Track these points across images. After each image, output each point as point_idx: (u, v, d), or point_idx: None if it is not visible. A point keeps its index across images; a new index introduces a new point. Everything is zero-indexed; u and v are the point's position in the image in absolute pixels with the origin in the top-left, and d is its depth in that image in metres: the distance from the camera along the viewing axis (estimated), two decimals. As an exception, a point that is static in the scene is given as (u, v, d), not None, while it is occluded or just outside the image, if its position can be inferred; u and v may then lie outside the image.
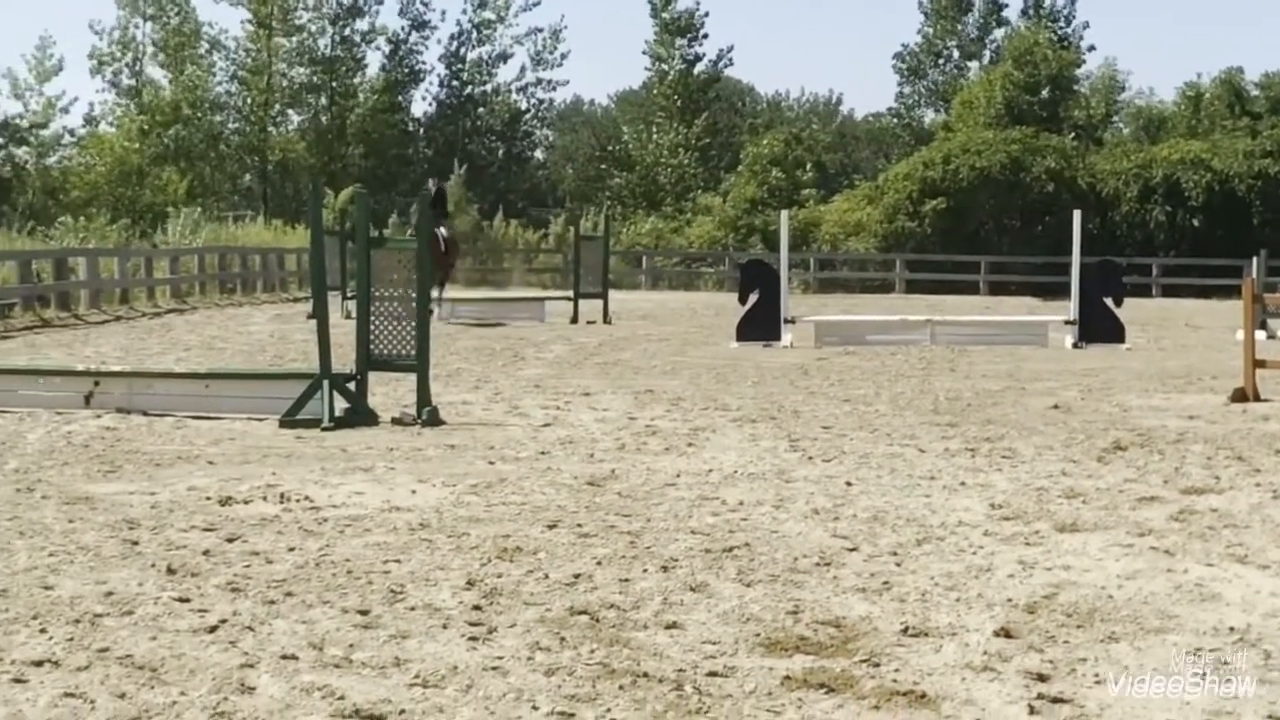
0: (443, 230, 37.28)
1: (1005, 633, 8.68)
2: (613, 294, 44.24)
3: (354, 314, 19.70)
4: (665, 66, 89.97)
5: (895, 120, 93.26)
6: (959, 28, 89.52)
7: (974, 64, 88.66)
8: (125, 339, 33.01)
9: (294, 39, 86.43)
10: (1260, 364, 21.74)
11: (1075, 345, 31.83)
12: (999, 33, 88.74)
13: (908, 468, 14.88)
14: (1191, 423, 18.64)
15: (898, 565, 10.43)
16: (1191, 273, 63.08)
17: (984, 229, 69.48)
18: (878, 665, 8.08)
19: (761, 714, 7.31)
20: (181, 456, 15.38)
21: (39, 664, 7.94)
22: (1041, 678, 7.89)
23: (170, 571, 10.04)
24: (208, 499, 12.81)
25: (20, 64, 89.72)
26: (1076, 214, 35.34)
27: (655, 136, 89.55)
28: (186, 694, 7.50)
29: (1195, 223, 69.31)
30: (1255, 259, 39.60)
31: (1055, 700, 7.55)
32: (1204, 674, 8.01)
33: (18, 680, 7.66)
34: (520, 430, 17.63)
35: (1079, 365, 27.74)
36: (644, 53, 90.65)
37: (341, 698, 7.46)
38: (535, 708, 7.36)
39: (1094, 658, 8.26)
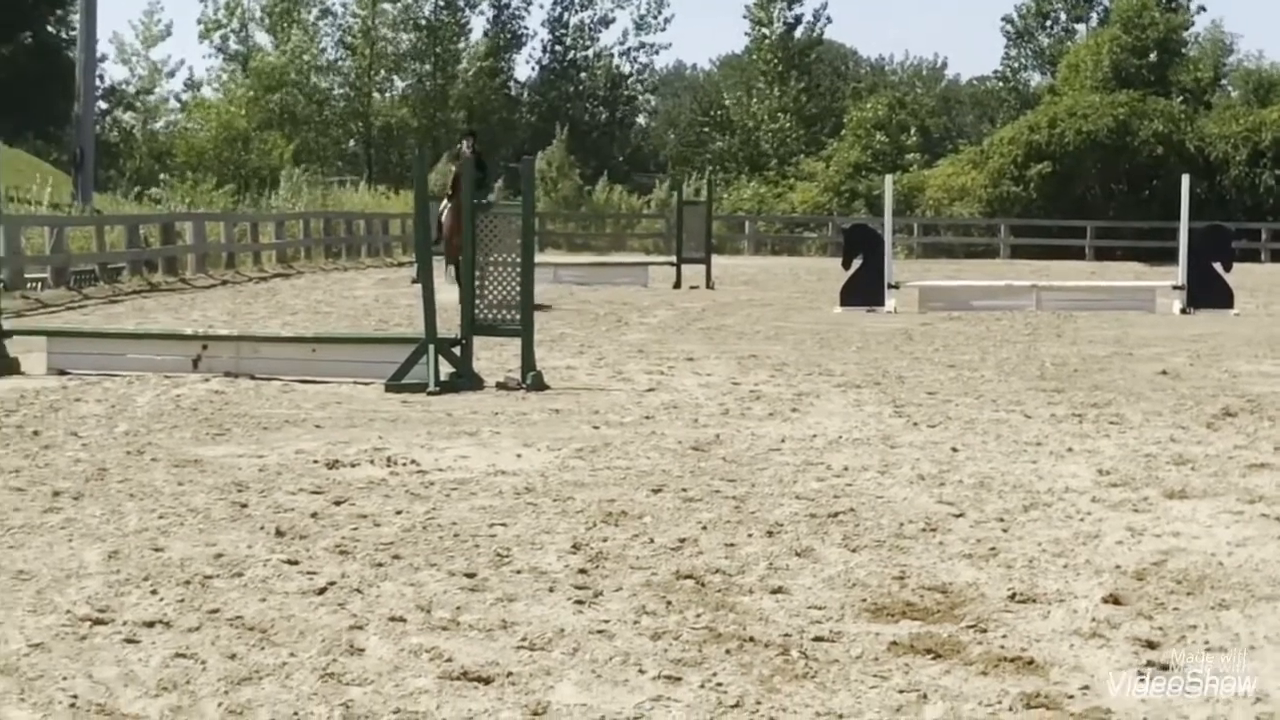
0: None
1: (1114, 599, 8.62)
2: (715, 259, 44.16)
3: (458, 279, 19.73)
4: (765, 30, 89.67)
5: (1001, 84, 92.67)
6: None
7: (1081, 27, 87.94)
8: (231, 303, 33.25)
9: (398, 4, 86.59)
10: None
11: (1183, 311, 31.61)
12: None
13: (1014, 434, 14.82)
14: (1303, 389, 18.48)
15: (1004, 531, 10.39)
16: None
17: (1090, 194, 68.95)
18: (985, 631, 8.05)
19: (868, 679, 7.29)
20: (289, 420, 15.49)
21: (150, 625, 8.02)
22: (1151, 645, 7.84)
23: (279, 534, 10.12)
24: (315, 462, 12.90)
25: (128, 29, 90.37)
26: (1185, 178, 35.01)
27: (756, 100, 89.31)
28: (296, 655, 7.55)
29: (1310, 185, 68.48)
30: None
31: (1165, 668, 7.50)
32: (1315, 642, 7.97)
33: (130, 640, 7.74)
34: (624, 395, 17.65)
35: (1187, 331, 27.53)
36: (744, 16, 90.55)
37: (449, 660, 7.49)
38: (642, 671, 7.38)
39: (1204, 625, 8.20)
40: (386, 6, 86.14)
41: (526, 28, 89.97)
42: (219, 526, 10.35)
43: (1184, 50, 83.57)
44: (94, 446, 13.63)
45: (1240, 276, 32.85)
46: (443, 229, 33.34)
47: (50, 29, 63.73)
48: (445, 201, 34.29)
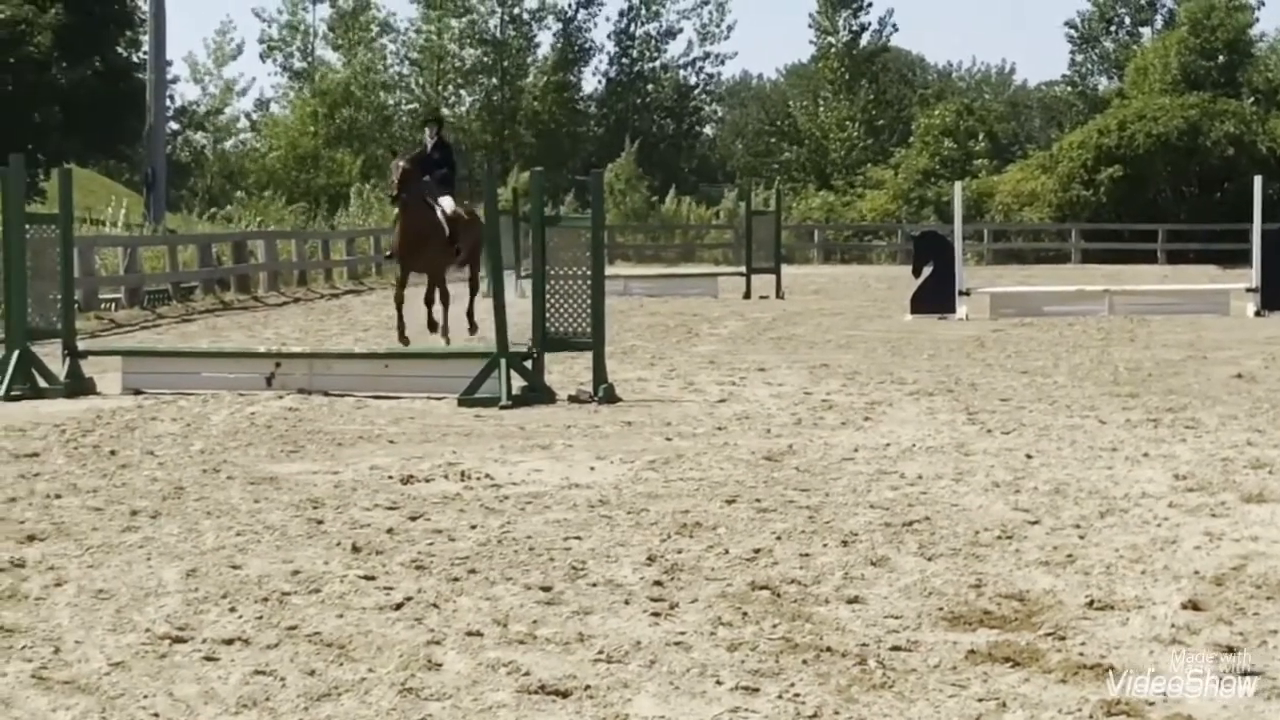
0: (445, 204, 25.45)
1: (1193, 605, 8.57)
2: (785, 269, 44.23)
3: (529, 293, 19.76)
4: (831, 39, 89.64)
5: (1068, 88, 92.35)
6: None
7: (1147, 30, 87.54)
8: (304, 320, 33.40)
9: (464, 20, 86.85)
10: None
11: (1257, 313, 31.39)
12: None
13: (1089, 439, 14.74)
14: (1380, 391, 18.34)
15: (1081, 538, 10.33)
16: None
17: (1161, 196, 68.61)
18: (1063, 639, 8.01)
19: (946, 688, 7.27)
20: (363, 436, 15.54)
21: (229, 642, 8.05)
22: (1231, 650, 7.79)
23: (355, 550, 10.15)
24: (390, 478, 12.93)
25: (200, 49, 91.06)
26: (1257, 180, 34.81)
27: (823, 109, 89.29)
28: (374, 671, 7.57)
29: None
30: None
31: (1246, 674, 7.45)
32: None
33: (209, 658, 7.77)
34: (696, 406, 17.65)
35: (1262, 334, 27.37)
36: (809, 25, 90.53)
37: (526, 674, 7.50)
38: (719, 682, 7.37)
39: (1287, 632, 8.16)
40: (453, 23, 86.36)
41: (593, 41, 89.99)
42: (295, 543, 10.39)
43: (1253, 51, 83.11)
44: (170, 465, 13.70)
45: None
46: (395, 244, 26.48)
47: (120, 50, 64.13)
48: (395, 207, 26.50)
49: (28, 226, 19.51)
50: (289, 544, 10.35)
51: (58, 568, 9.66)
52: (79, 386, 18.95)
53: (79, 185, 23.06)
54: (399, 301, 25.30)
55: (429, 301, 25.27)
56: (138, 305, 35.03)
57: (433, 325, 25.07)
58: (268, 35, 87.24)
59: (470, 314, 26.79)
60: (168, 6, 58.31)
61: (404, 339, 24.56)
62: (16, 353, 18.84)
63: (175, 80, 79.30)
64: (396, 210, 26.08)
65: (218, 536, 10.58)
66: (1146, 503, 11.50)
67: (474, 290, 27.30)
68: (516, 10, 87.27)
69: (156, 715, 6.98)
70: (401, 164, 24.72)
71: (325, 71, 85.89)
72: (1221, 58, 79.47)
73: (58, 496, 12.16)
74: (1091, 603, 8.68)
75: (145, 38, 62.89)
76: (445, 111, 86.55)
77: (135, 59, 64.04)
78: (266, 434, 15.67)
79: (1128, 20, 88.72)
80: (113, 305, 34.60)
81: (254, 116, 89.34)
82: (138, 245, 39.11)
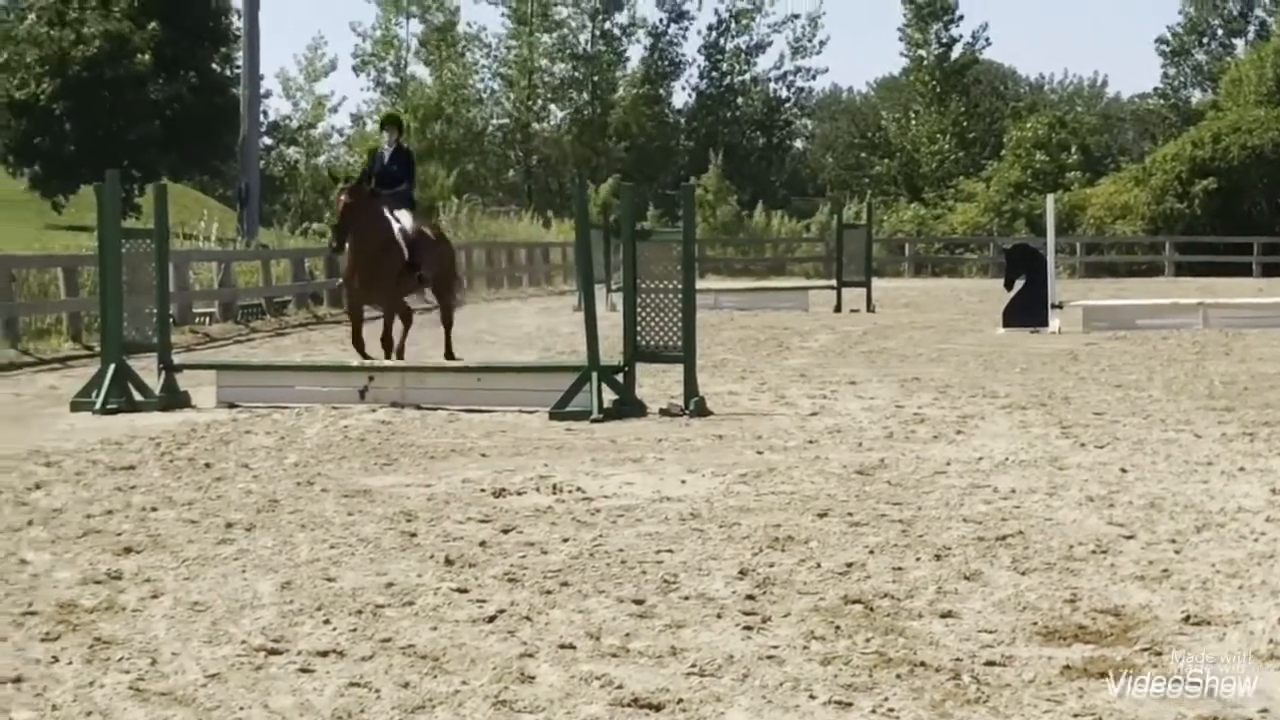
0: (403, 219, 21.73)
1: (1294, 624, 8.52)
2: (875, 282, 44.12)
3: (620, 306, 19.79)
4: (922, 52, 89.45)
5: (1161, 101, 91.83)
6: (1222, 5, 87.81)
7: (1239, 41, 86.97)
8: (397, 337, 33.54)
9: (554, 35, 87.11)
10: None
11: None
12: (1261, 9, 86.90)
13: (1184, 453, 14.65)
14: None
15: (1177, 553, 10.26)
16: None
17: (1256, 209, 68.12)
18: (1160, 654, 7.96)
19: (1042, 703, 7.23)
20: (455, 449, 15.58)
21: (324, 654, 8.09)
22: (1329, 666, 7.74)
23: (448, 563, 10.18)
24: (482, 491, 12.97)
25: (293, 65, 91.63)
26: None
27: (915, 122, 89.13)
28: (468, 683, 7.59)
29: None
30: None
31: (1344, 688, 7.41)
32: None
33: (304, 670, 7.81)
34: (787, 419, 17.63)
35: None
36: (899, 39, 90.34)
37: (620, 687, 7.50)
38: (813, 697, 7.35)
39: (1391, 650, 8.08)
40: (543, 38, 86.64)
41: (683, 55, 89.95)
42: (389, 556, 10.43)
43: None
44: (264, 478, 13.78)
45: None
46: (344, 270, 22.63)
47: (215, 66, 64.61)
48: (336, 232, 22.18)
49: (124, 241, 19.68)
50: (383, 556, 10.40)
51: (154, 580, 9.73)
52: (174, 400, 19.09)
53: (173, 200, 23.17)
54: (358, 345, 21.96)
55: (386, 342, 21.82)
56: (231, 320, 35.28)
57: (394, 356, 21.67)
58: (361, 50, 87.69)
59: (449, 354, 23.18)
60: (261, 22, 58.77)
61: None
62: (113, 366, 18.99)
63: (268, 95, 79.81)
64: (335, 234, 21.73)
65: (312, 549, 10.65)
66: (1243, 517, 11.42)
67: (449, 324, 23.77)
68: (607, 25, 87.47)
69: (251, 725, 7.03)
70: (343, 198, 20.64)
71: (417, 86, 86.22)
72: (1318, 69, 78.94)
73: (154, 509, 12.25)
74: (1188, 618, 8.62)
75: (239, 53, 63.31)
76: (536, 126, 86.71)
77: (229, 74, 64.46)
78: (360, 447, 15.75)
79: (1220, 32, 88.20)
80: (207, 319, 34.84)
81: (346, 131, 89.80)
82: (231, 260, 39.36)
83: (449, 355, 22.83)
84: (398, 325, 22.67)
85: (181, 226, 48.20)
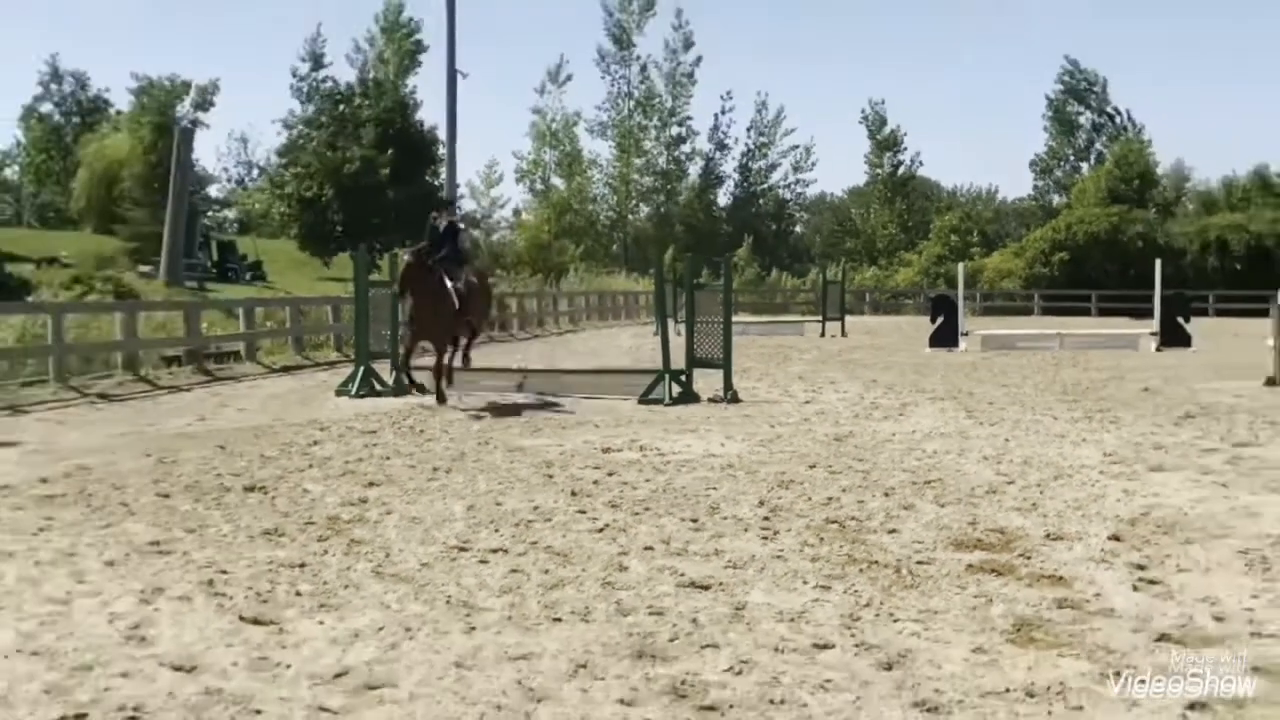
0: (455, 281, 18.17)
1: (1115, 538, 8.47)
2: (847, 318, 43.94)
3: (683, 332, 19.74)
4: (878, 170, 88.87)
5: (1033, 202, 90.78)
6: (1073, 141, 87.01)
7: (1084, 165, 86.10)
8: (541, 349, 33.62)
9: (642, 159, 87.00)
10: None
11: (1157, 349, 30.81)
12: (1100, 144, 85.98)
13: (1046, 429, 14.53)
14: (1238, 399, 17.94)
15: (1041, 493, 10.20)
16: (1235, 300, 60.53)
17: (1094, 272, 67.63)
18: (1029, 559, 7.92)
19: (953, 589, 7.21)
20: (578, 423, 15.60)
21: (494, 551, 8.13)
22: (1140, 567, 7.69)
23: (573, 494, 10.20)
24: (595, 449, 12.97)
25: (475, 177, 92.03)
26: (1158, 262, 34.50)
27: (873, 215, 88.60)
28: (586, 570, 7.62)
29: (1238, 267, 67.27)
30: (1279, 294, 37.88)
31: (1150, 582, 7.36)
32: (1250, 565, 7.76)
33: (482, 561, 7.86)
34: (790, 405, 17.58)
35: (1160, 362, 26.86)
36: (864, 160, 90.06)
37: (682, 574, 7.52)
38: (805, 582, 7.36)
39: (1176, 554, 8.02)
40: (635, 160, 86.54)
41: (725, 171, 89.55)
42: (535, 489, 10.46)
43: (1156, 178, 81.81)
44: (458, 439, 13.84)
45: (1195, 326, 32.04)
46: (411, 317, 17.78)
47: (427, 179, 64.89)
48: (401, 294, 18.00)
49: (369, 289, 19.84)
50: (531, 490, 10.43)
51: (387, 503, 9.79)
52: (400, 390, 19.17)
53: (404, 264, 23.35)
54: (407, 360, 18.01)
55: (438, 374, 17.86)
56: (437, 338, 35.30)
57: (442, 398, 17.63)
58: (521, 168, 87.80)
59: (466, 354, 19.17)
60: (456, 151, 59.24)
61: (414, 383, 17.94)
62: (362, 368, 19.12)
63: (462, 197, 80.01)
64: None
65: (487, 485, 10.68)
66: (1084, 471, 11.34)
67: (472, 333, 19.33)
68: (676, 153, 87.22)
69: (449, 597, 7.05)
70: (406, 257, 17.55)
71: (555, 191, 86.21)
72: (1136, 182, 78.41)
73: (387, 458, 12.33)
74: (1048, 535, 8.59)
75: (443, 170, 63.63)
76: (630, 218, 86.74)
77: (437, 183, 64.69)
78: (517, 421, 15.77)
79: (1072, 157, 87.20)
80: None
81: (509, 220, 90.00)
82: (437, 301, 39.48)
83: (465, 360, 19.14)
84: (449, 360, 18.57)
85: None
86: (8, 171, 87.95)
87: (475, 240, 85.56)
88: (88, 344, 21.81)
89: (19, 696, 5.51)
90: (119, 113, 78.71)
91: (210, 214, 70.64)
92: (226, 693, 5.57)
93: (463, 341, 18.66)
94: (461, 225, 19.82)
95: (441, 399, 17.47)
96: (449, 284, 17.65)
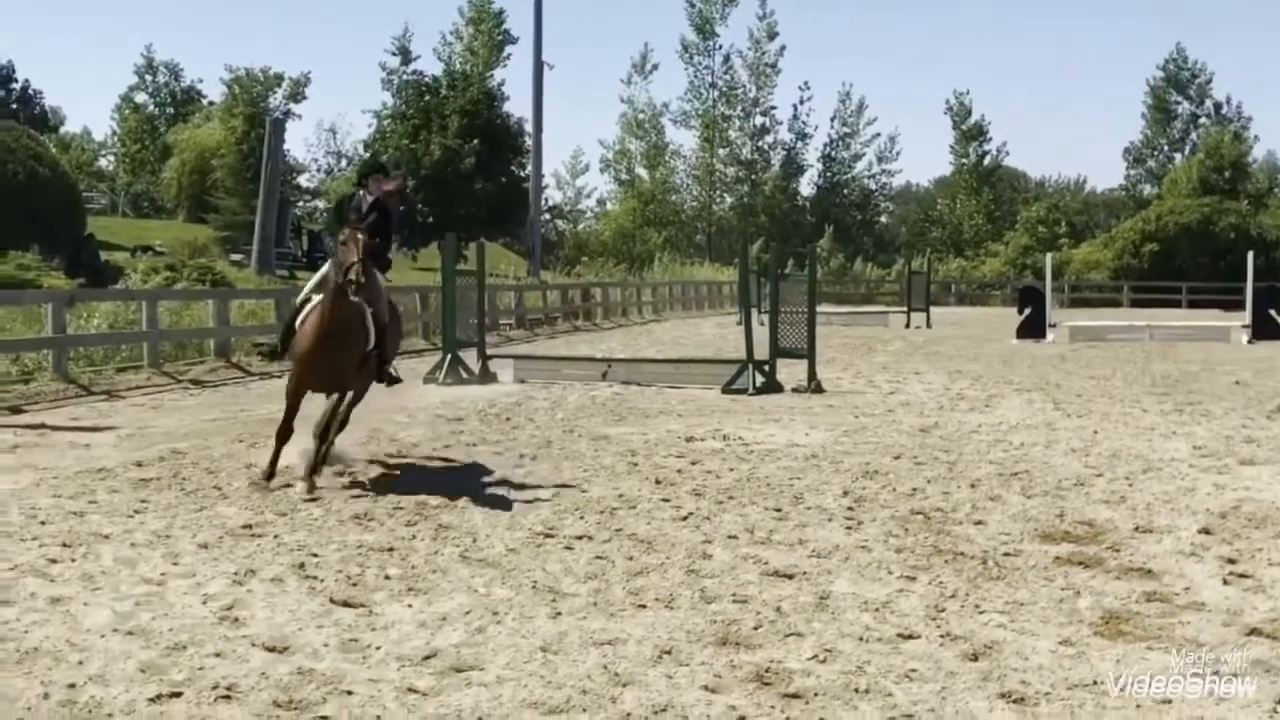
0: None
1: (1206, 531, 8.37)
2: (932, 309, 43.60)
3: (766, 322, 19.69)
4: (964, 160, 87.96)
5: (1123, 193, 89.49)
6: (1168, 130, 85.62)
7: (1178, 155, 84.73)
8: (625, 338, 33.65)
9: (726, 149, 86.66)
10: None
11: (1249, 342, 30.36)
12: (1195, 134, 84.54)
13: (1135, 421, 14.37)
14: (1330, 393, 17.66)
15: (1130, 486, 10.09)
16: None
17: (1184, 264, 66.60)
18: (1118, 551, 7.85)
19: (1040, 581, 7.16)
20: (662, 411, 15.62)
21: (579, 538, 8.17)
22: (1231, 561, 7.59)
23: (657, 482, 10.22)
24: (679, 438, 12.99)
25: (562, 168, 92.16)
26: (1249, 254, 34.17)
27: (959, 205, 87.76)
28: (670, 558, 7.64)
29: (1337, 259, 66.23)
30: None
31: (1241, 576, 7.26)
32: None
33: (568, 548, 7.90)
34: (874, 396, 17.49)
35: (1252, 355, 26.44)
36: (950, 149, 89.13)
37: (766, 563, 7.52)
38: (890, 573, 7.33)
39: (1268, 548, 7.91)
40: (720, 151, 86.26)
41: (808, 160, 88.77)
42: (620, 477, 10.49)
43: (1249, 168, 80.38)
44: (543, 427, 13.91)
45: (1286, 318, 31.63)
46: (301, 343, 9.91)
47: (514, 169, 65.06)
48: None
49: (457, 278, 19.99)
50: (615, 478, 10.46)
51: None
52: (487, 378, 19.32)
53: (488, 253, 23.47)
54: (284, 436, 9.90)
55: (322, 435, 9.87)
56: (522, 328, 35.52)
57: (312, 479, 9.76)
58: (606, 158, 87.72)
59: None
60: (543, 142, 59.50)
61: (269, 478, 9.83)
62: (450, 356, 19.26)
63: (547, 187, 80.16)
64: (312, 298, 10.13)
65: (572, 472, 10.73)
66: (1174, 464, 11.20)
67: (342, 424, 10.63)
68: (759, 143, 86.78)
69: (535, 582, 7.10)
70: (361, 237, 9.40)
71: (639, 180, 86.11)
72: (1228, 173, 77.07)
73: (474, 444, 12.41)
74: (1137, 528, 8.51)
75: (529, 162, 63.92)
76: (714, 208, 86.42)
77: (522, 175, 64.94)
78: (602, 409, 15.83)
79: (1166, 147, 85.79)
80: (507, 327, 35.10)
81: (595, 210, 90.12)
82: (523, 290, 39.74)
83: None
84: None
85: (493, 269, 48.68)
86: (103, 161, 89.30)
87: (562, 233, 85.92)
88: (180, 330, 22.12)
89: (115, 674, 5.62)
90: (211, 103, 79.75)
91: (300, 203, 71.26)
92: (318, 673, 5.65)
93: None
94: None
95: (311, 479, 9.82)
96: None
